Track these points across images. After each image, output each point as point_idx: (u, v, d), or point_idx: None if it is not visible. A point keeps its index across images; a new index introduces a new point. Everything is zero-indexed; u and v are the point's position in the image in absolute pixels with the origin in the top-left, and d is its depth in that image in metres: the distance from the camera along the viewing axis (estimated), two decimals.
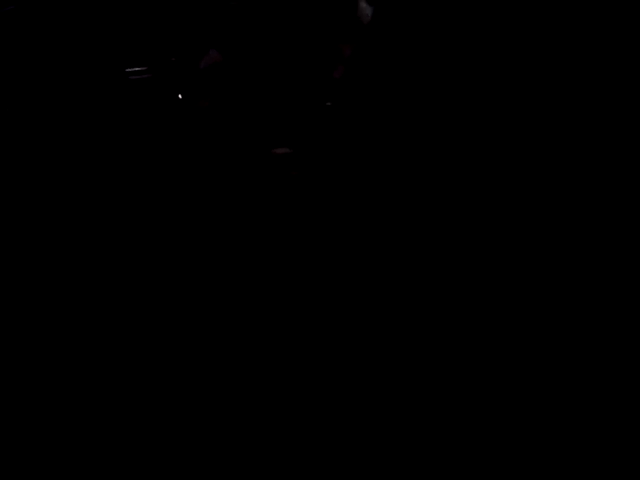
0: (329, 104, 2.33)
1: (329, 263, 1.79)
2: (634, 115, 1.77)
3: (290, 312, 1.70)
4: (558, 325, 1.58)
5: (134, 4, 2.58)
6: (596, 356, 1.51)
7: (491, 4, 1.90)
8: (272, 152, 2.26)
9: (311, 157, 2.20)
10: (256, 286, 1.83)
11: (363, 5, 2.32)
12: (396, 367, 1.53)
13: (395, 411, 1.43)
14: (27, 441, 1.42)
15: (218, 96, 2.45)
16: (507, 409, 1.41)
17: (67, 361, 1.55)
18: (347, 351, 1.56)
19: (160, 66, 2.38)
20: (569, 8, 1.81)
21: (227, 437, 1.40)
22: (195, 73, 2.44)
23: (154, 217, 2.01)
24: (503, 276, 1.74)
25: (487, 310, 1.65)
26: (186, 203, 2.08)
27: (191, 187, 2.11)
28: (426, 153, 2.02)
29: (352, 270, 1.78)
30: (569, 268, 1.73)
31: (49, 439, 1.42)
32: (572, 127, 1.81)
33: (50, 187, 2.08)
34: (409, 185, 2.01)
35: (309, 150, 2.23)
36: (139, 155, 2.18)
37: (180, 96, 2.32)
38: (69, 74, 2.30)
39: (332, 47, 2.44)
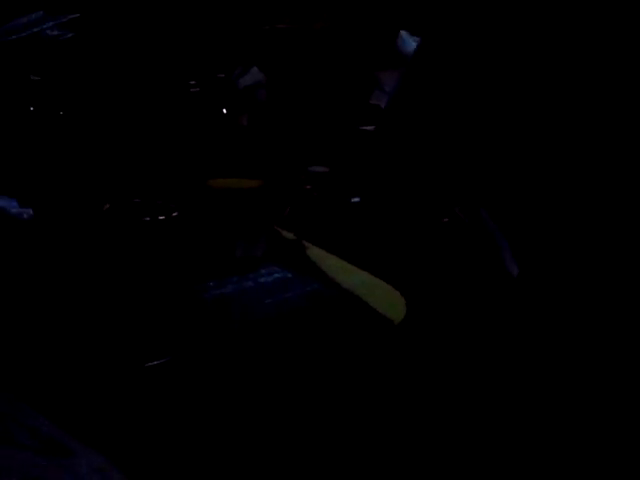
0: (365, 128, 2.42)
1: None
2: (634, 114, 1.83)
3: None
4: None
5: (182, 22, 2.68)
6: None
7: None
8: (309, 170, 2.34)
9: (349, 176, 2.29)
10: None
11: (405, 35, 2.42)
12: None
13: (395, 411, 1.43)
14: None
15: (258, 115, 2.54)
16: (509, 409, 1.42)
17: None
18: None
19: (207, 81, 2.48)
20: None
21: (227, 437, 1.38)
22: (237, 90, 2.53)
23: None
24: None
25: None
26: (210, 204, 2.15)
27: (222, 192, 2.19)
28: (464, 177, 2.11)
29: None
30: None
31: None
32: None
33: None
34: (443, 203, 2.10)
35: (346, 170, 2.32)
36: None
37: (225, 111, 2.42)
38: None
39: (369, 74, 2.54)
